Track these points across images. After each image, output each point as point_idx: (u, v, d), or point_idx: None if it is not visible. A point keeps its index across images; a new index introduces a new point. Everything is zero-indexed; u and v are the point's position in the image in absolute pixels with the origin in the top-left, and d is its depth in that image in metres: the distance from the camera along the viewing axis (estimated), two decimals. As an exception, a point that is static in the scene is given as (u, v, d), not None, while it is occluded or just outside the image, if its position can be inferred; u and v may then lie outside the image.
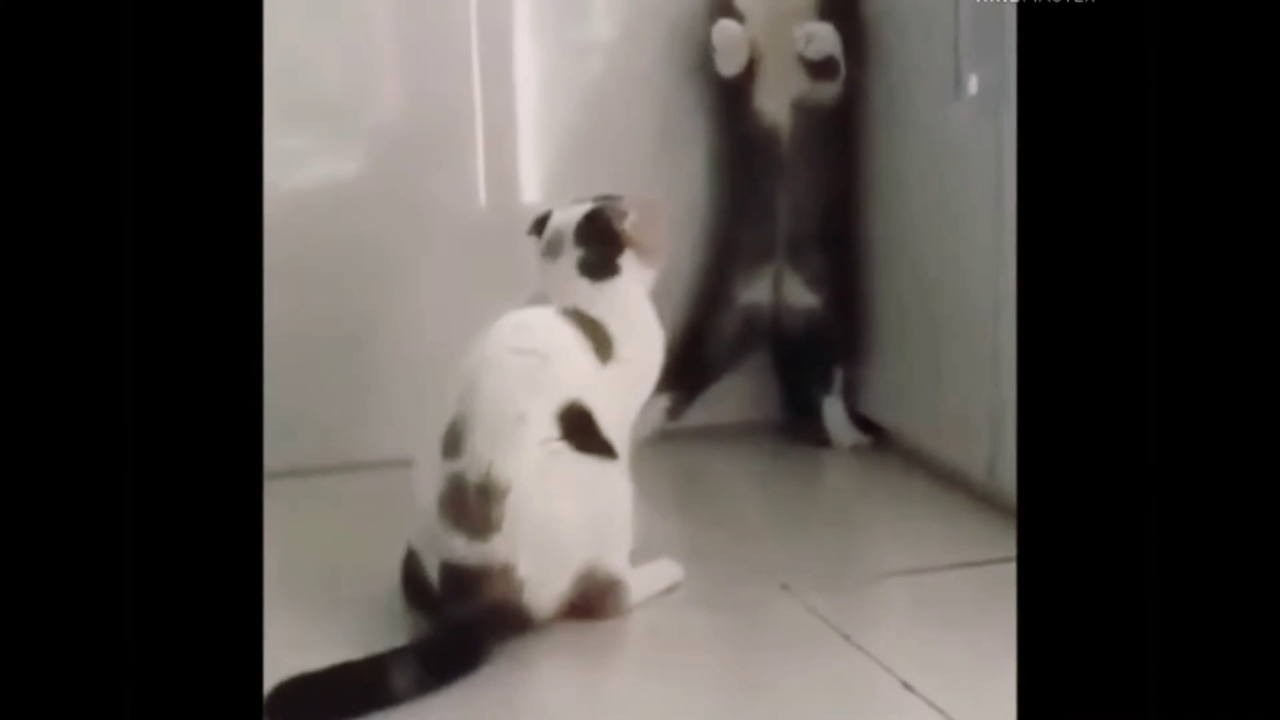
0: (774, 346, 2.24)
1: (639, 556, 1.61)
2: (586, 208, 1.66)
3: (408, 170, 2.12)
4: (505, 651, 1.48)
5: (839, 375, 2.18)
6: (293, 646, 1.34)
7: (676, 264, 2.16)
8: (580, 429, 1.52)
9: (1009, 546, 1.72)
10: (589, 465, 1.52)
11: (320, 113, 2.07)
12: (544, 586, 1.50)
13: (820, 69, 2.08)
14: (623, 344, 1.61)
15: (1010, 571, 1.65)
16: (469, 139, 2.13)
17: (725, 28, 2.10)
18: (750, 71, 2.12)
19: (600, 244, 1.63)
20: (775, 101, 2.13)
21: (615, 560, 1.56)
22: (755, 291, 2.20)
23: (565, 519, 1.50)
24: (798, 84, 2.10)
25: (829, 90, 2.10)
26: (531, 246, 1.68)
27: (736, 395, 2.26)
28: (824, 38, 2.06)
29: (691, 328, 2.21)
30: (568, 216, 1.65)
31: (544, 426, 1.49)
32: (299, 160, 2.05)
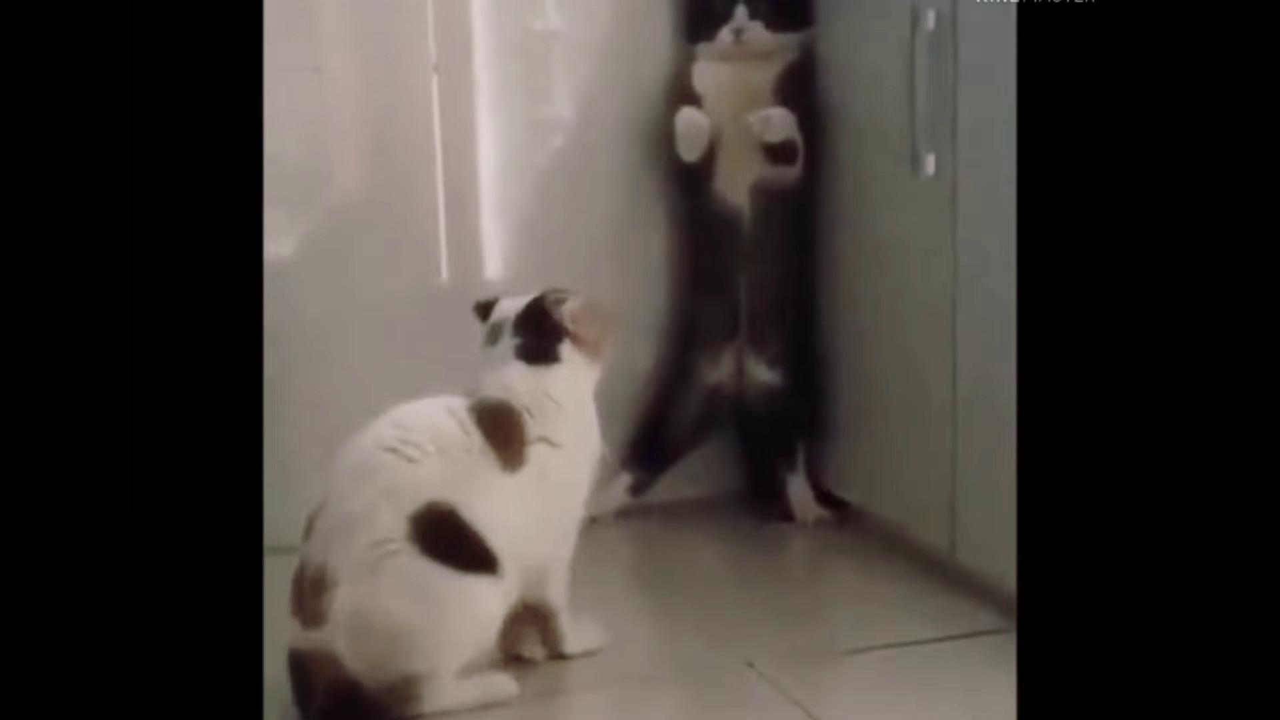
0: (737, 424, 2.25)
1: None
2: (530, 297, 1.66)
3: (369, 246, 2.13)
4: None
5: (801, 451, 2.20)
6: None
7: (641, 343, 2.20)
8: (436, 533, 1.49)
9: (972, 622, 1.75)
10: (432, 574, 1.48)
11: (282, 187, 2.07)
12: (376, 682, 1.47)
13: (778, 153, 2.12)
14: (552, 434, 1.59)
15: (974, 647, 1.69)
16: (431, 215, 2.15)
17: (688, 116, 2.14)
18: (710, 156, 2.16)
19: (538, 332, 1.63)
20: (735, 185, 2.16)
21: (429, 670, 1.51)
22: (718, 370, 2.22)
23: (392, 623, 1.47)
24: (757, 168, 2.14)
25: (788, 173, 2.13)
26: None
27: (700, 471, 2.28)
28: (781, 122, 2.10)
29: (655, 407, 2.22)
30: (512, 304, 1.66)
31: (389, 527, 1.48)
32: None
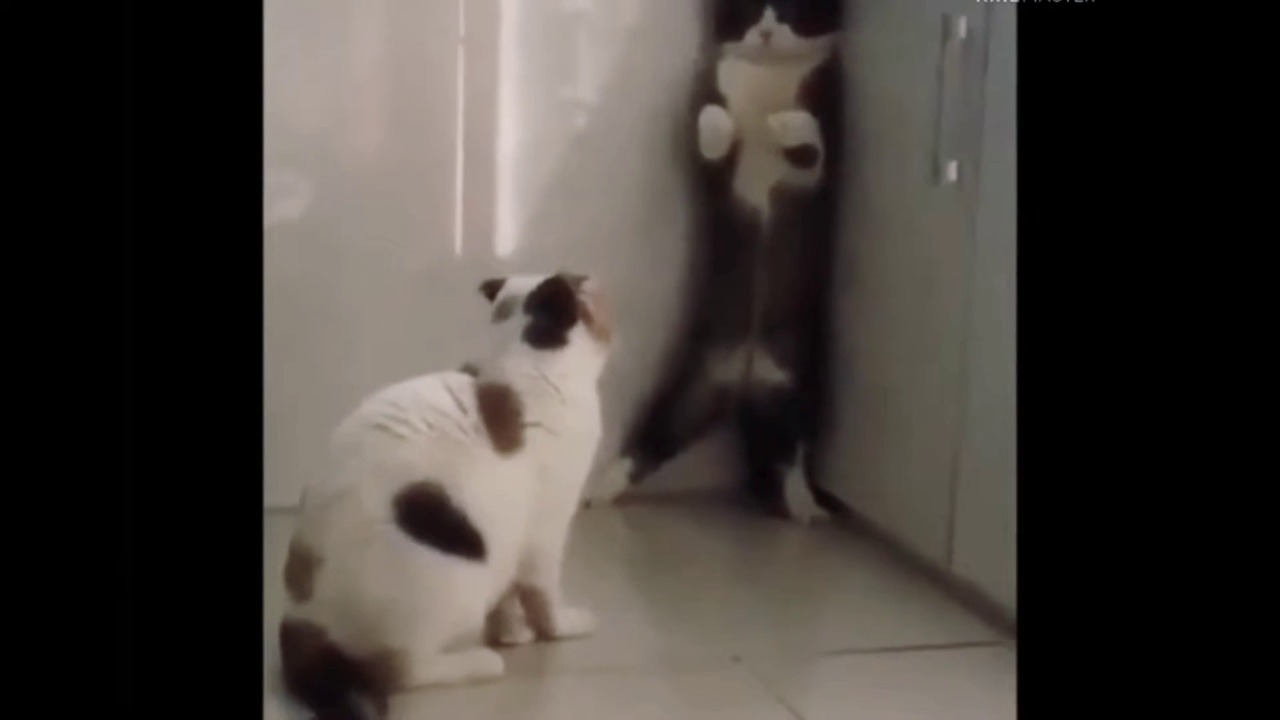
0: (741, 419, 2.25)
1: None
2: (544, 277, 1.63)
3: (385, 215, 2.12)
4: (436, 703, 1.47)
5: (802, 450, 2.20)
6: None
7: (652, 333, 2.19)
8: (422, 513, 1.48)
9: (964, 632, 1.75)
10: (416, 556, 1.48)
11: (302, 152, 2.07)
12: (361, 656, 1.47)
13: (799, 156, 2.11)
14: (548, 420, 1.57)
15: (965, 657, 1.68)
16: (449, 188, 2.15)
17: (712, 115, 2.13)
18: (732, 156, 2.15)
19: (550, 313, 1.60)
20: (755, 186, 2.15)
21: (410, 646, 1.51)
22: (728, 366, 2.21)
23: (375, 602, 1.47)
24: (777, 170, 2.13)
25: (808, 177, 2.12)
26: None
27: (699, 462, 2.27)
28: (800, 126, 2.10)
29: (662, 397, 2.22)
30: (524, 282, 1.63)
31: (374, 506, 1.47)
32: (275, 197, 2.02)
